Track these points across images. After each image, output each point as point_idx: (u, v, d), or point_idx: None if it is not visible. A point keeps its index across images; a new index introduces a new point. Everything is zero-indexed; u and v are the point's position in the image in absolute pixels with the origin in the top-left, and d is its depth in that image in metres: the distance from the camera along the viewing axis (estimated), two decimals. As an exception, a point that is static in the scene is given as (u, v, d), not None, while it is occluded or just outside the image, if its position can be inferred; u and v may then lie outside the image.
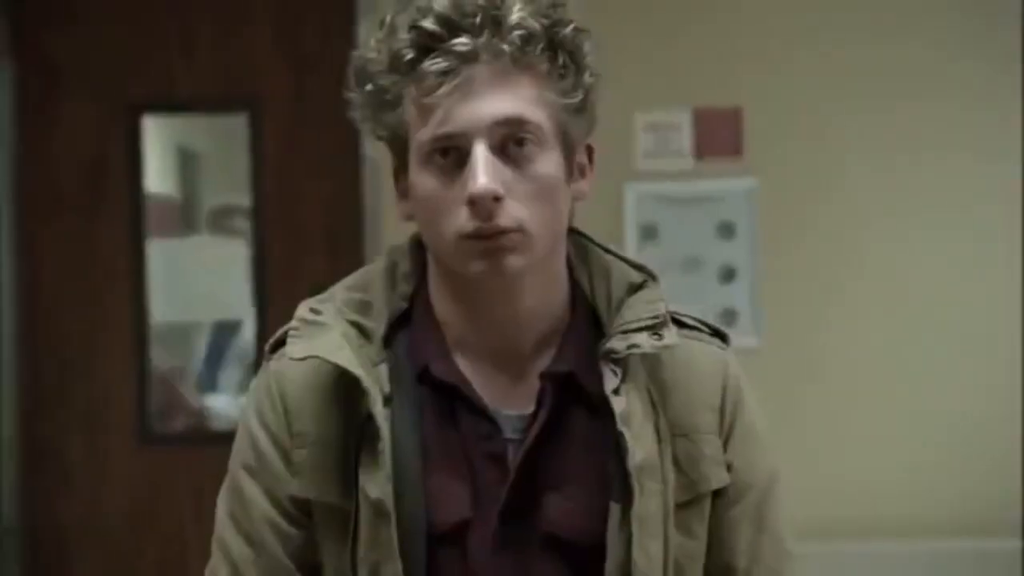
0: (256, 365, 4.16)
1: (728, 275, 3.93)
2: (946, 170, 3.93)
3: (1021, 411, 3.82)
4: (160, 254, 4.22)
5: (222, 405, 4.27)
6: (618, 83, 3.80)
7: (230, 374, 4.28)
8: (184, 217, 4.33)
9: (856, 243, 3.92)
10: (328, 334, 1.46)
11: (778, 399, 3.83)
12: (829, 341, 3.91)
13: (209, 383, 4.29)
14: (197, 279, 4.25)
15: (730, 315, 3.91)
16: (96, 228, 4.19)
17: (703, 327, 1.56)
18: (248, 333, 4.24)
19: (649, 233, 3.92)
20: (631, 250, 3.89)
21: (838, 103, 3.92)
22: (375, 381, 1.45)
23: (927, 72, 3.92)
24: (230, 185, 4.32)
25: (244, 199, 4.24)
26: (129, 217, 4.19)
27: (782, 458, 4.02)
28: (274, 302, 4.06)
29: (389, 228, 3.82)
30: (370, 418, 1.43)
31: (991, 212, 3.90)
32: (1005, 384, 3.85)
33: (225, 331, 4.29)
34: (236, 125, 4.21)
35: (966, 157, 3.92)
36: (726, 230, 3.93)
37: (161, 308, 4.22)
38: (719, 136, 3.92)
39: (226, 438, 1.58)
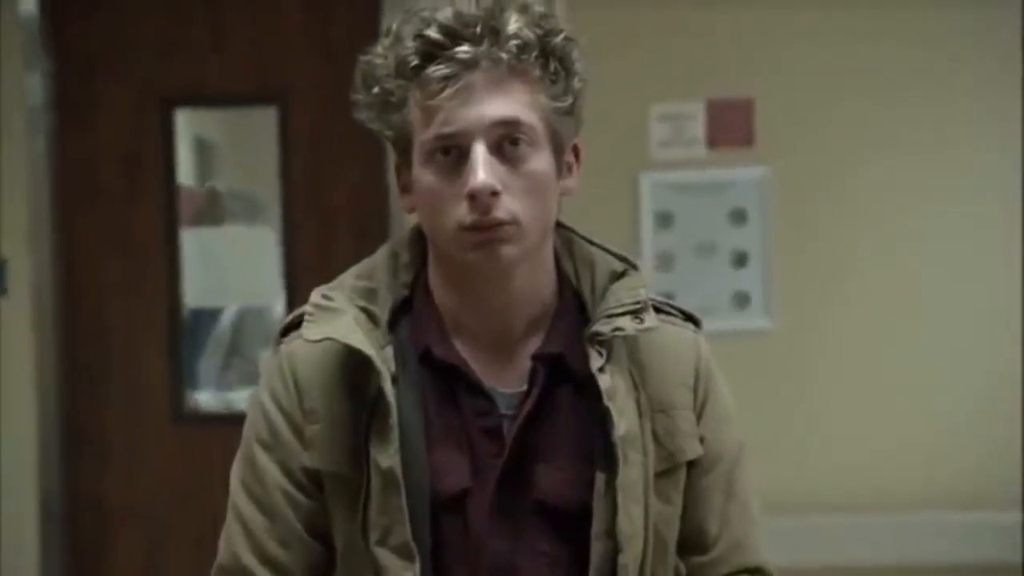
0: (229, 353, 4.28)
1: (740, 260, 4.00)
2: (953, 158, 3.99)
3: (1021, 388, 3.90)
4: (190, 241, 4.31)
5: (203, 396, 4.33)
6: (634, 75, 3.92)
7: (208, 364, 4.33)
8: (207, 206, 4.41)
9: (864, 228, 3.98)
10: (341, 318, 1.56)
11: (788, 379, 3.95)
12: (838, 323, 3.98)
13: (188, 373, 4.32)
14: (226, 266, 4.34)
15: (743, 298, 3.99)
16: (132, 216, 4.28)
17: (677, 312, 1.67)
18: (227, 321, 4.32)
19: (664, 220, 4.00)
20: (647, 236, 3.98)
21: (847, 95, 3.97)
22: (383, 361, 1.55)
23: (934, 64, 3.97)
24: (244, 174, 4.43)
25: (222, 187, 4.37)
26: (163, 206, 4.28)
27: (792, 436, 4.10)
28: (303, 288, 4.12)
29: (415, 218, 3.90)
30: (381, 395, 1.53)
31: (997, 199, 3.95)
32: (1007, 363, 3.93)
33: (204, 318, 4.34)
34: (260, 117, 4.29)
35: (972, 147, 3.98)
36: (738, 217, 3.99)
37: (192, 293, 4.31)
38: (732, 126, 3.98)
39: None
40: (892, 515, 3.93)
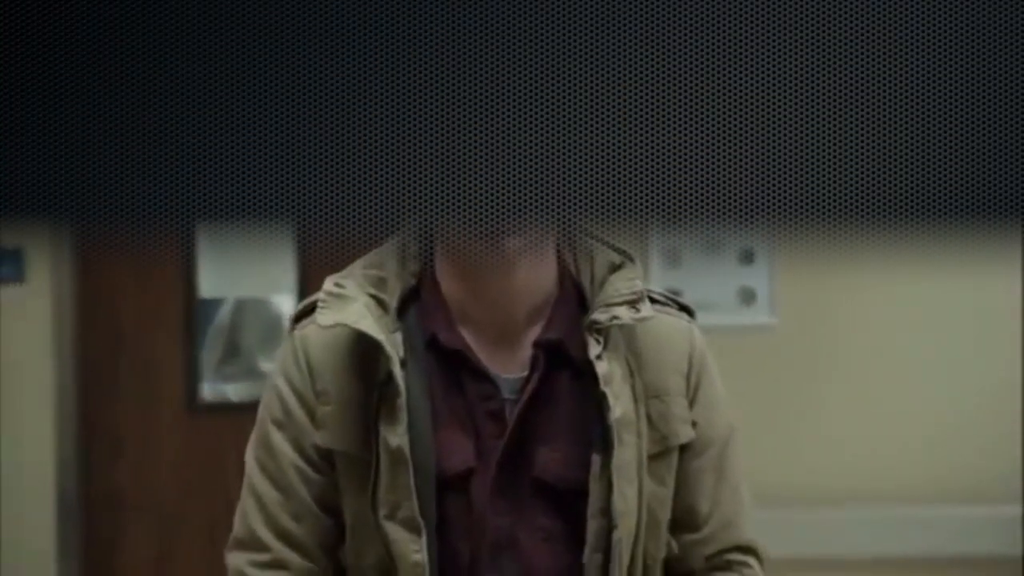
0: (230, 345, 4.33)
1: (747, 257, 4.05)
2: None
3: (1021, 383, 3.93)
4: (206, 233, 4.39)
5: (206, 388, 4.35)
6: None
7: (209, 356, 4.34)
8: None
9: (868, 228, 4.05)
10: (352, 305, 1.63)
11: (792, 374, 3.99)
12: (841, 319, 4.02)
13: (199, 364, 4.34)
14: (240, 258, 4.39)
15: (749, 294, 4.04)
16: (149, 208, 4.36)
17: (671, 303, 1.75)
18: (226, 313, 4.35)
19: (672, 217, 4.06)
20: (655, 234, 4.04)
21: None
22: (393, 346, 1.62)
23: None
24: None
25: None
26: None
27: (796, 431, 4.13)
28: (315, 279, 4.15)
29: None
30: (390, 378, 1.60)
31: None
32: (1008, 359, 3.95)
33: (211, 309, 4.35)
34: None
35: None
36: (745, 214, 4.06)
37: (207, 285, 4.36)
38: (739, 124, 4.05)
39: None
40: (893, 508, 3.97)
